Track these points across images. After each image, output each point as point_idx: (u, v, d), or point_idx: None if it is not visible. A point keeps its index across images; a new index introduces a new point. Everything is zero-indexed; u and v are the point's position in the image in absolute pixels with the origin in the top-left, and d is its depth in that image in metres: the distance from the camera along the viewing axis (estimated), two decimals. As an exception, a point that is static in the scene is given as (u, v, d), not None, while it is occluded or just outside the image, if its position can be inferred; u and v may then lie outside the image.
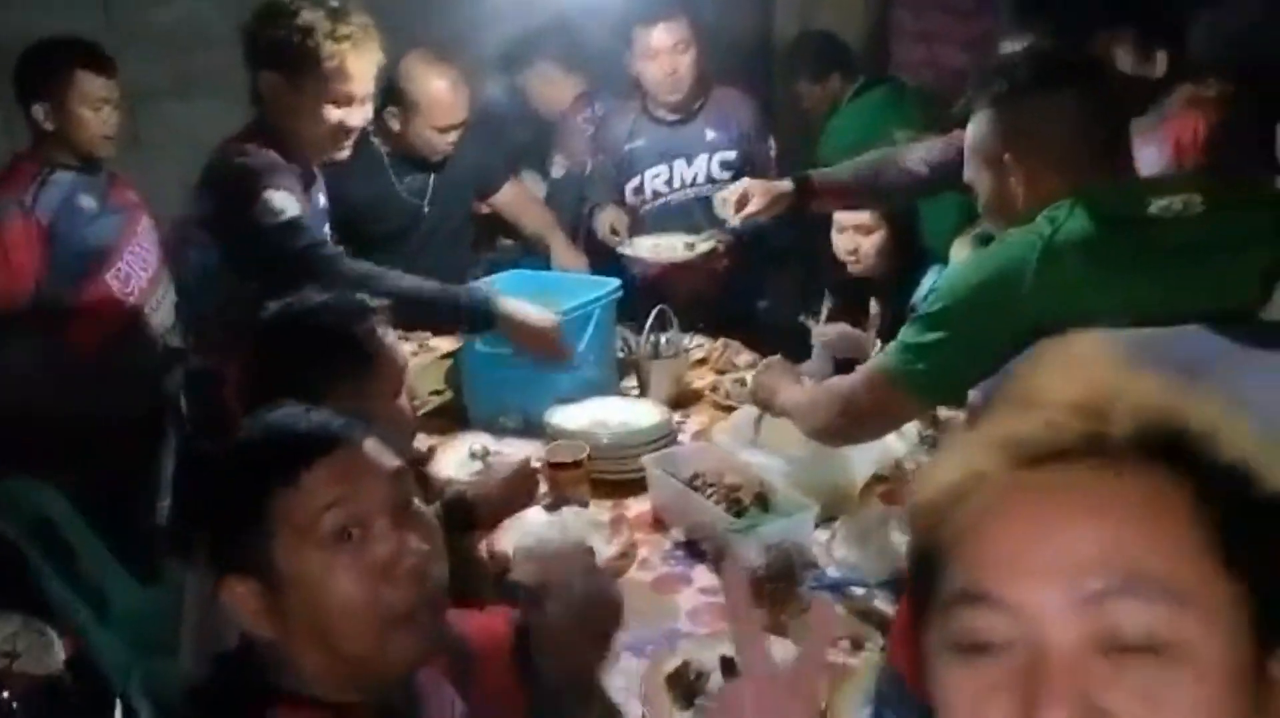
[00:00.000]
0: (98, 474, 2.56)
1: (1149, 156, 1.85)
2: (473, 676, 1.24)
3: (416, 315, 2.17)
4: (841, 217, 2.48)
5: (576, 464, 1.94)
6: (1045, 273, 1.33)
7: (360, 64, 2.10)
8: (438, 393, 2.53)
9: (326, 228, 2.34)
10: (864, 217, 2.45)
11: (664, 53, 2.91)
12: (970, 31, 3.74)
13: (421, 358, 2.56)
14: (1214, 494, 0.57)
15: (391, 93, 2.71)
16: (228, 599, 1.00)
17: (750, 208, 2.19)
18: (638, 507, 1.98)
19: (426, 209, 2.88)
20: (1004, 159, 1.46)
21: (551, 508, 1.87)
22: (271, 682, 1.00)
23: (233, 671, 1.03)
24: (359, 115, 2.15)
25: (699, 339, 2.77)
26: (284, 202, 2.03)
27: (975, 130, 1.50)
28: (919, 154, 2.12)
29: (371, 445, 1.03)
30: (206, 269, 2.23)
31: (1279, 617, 0.55)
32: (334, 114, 2.10)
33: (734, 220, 2.26)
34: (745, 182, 2.27)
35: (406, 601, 0.98)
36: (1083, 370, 0.61)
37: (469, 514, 1.67)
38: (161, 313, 2.89)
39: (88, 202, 2.74)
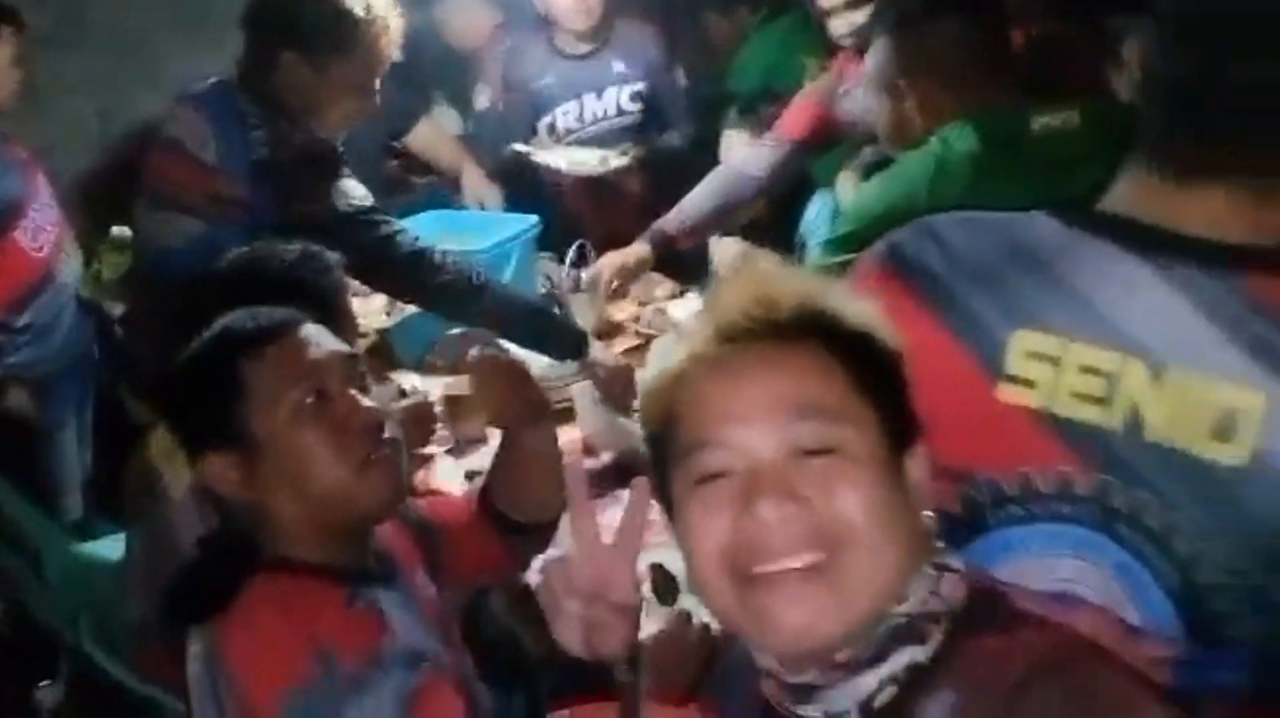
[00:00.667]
0: (20, 431, 2.54)
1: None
2: (444, 551, 1.39)
3: (505, 324, 2.10)
4: (727, 155, 2.52)
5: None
6: (938, 190, 1.43)
7: (387, 51, 2.05)
8: (362, 335, 2.55)
9: None
10: None
11: None
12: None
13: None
14: (850, 351, 0.82)
15: None
16: (210, 473, 1.16)
17: (612, 285, 2.28)
18: (565, 435, 2.04)
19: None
20: (899, 85, 1.54)
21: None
22: (251, 555, 1.13)
23: (218, 551, 1.17)
24: (371, 106, 2.11)
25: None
26: (360, 188, 2.01)
27: (872, 59, 1.58)
28: (759, 159, 2.24)
29: (326, 331, 1.20)
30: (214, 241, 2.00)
31: (899, 430, 0.82)
32: (350, 103, 2.06)
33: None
34: (601, 262, 2.34)
35: (365, 448, 1.15)
36: (761, 277, 0.86)
37: None
38: (70, 266, 2.85)
39: None
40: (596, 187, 3.02)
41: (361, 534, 1.21)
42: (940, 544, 0.84)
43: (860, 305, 0.85)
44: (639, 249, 2.30)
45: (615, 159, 2.94)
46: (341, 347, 1.22)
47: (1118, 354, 0.85)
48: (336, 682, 1.06)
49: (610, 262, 2.30)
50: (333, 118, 2.08)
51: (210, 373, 1.16)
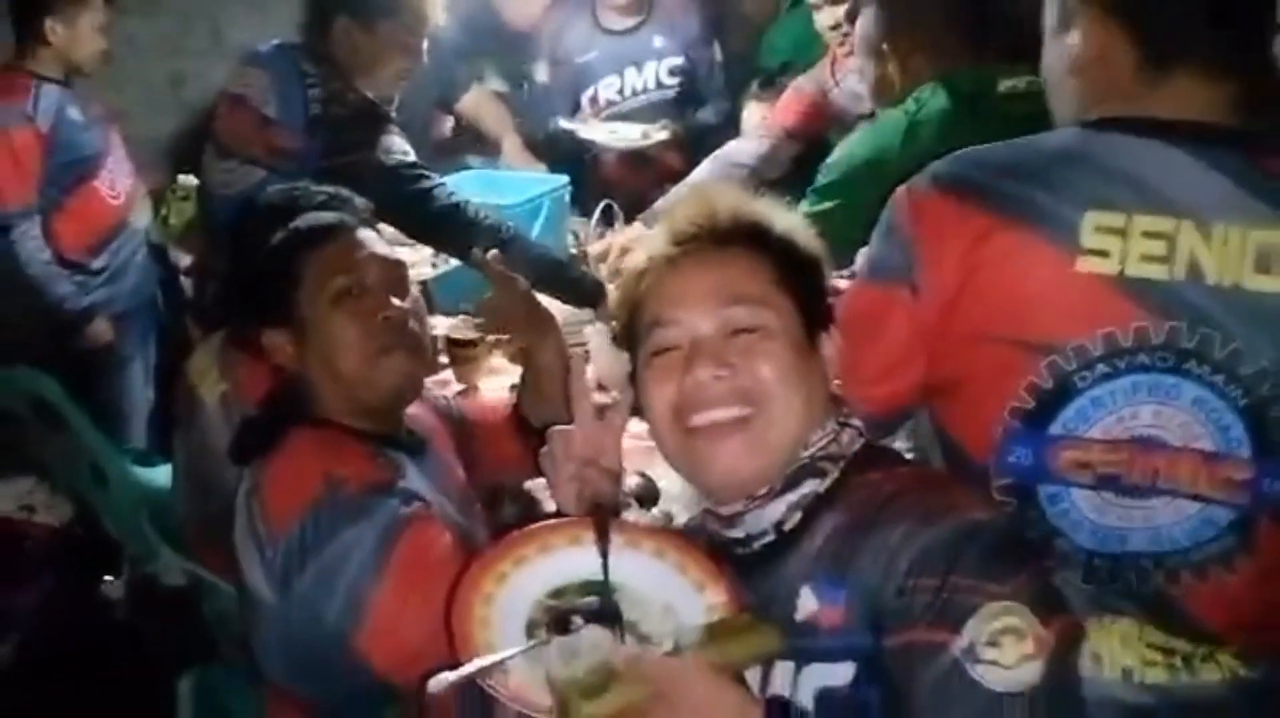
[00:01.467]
0: (95, 362, 2.77)
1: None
2: (473, 442, 1.60)
3: (530, 273, 2.26)
4: (748, 127, 2.69)
5: (473, 343, 2.16)
6: (909, 145, 1.57)
7: (431, 11, 2.23)
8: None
9: None
10: None
11: None
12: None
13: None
14: (775, 252, 1.03)
15: None
16: (269, 345, 1.37)
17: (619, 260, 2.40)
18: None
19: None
20: (882, 48, 1.68)
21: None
22: (299, 413, 1.34)
23: (271, 407, 1.39)
24: (418, 63, 2.29)
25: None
26: (404, 144, 2.18)
27: (860, 24, 1.73)
28: (749, 149, 2.47)
29: (380, 240, 1.42)
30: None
31: (813, 316, 1.03)
32: (399, 62, 2.24)
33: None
34: (612, 240, 2.49)
35: (387, 338, 1.34)
36: (705, 194, 1.08)
37: None
38: (142, 214, 3.08)
39: (74, 113, 2.91)
40: (633, 158, 3.17)
41: (389, 410, 1.40)
42: (847, 410, 1.05)
43: (786, 216, 1.07)
44: (640, 230, 2.46)
45: (656, 133, 3.09)
46: (387, 251, 1.43)
47: (1172, 219, 1.04)
48: (339, 503, 1.23)
49: (618, 241, 2.46)
50: (384, 76, 2.27)
51: (276, 261, 1.37)
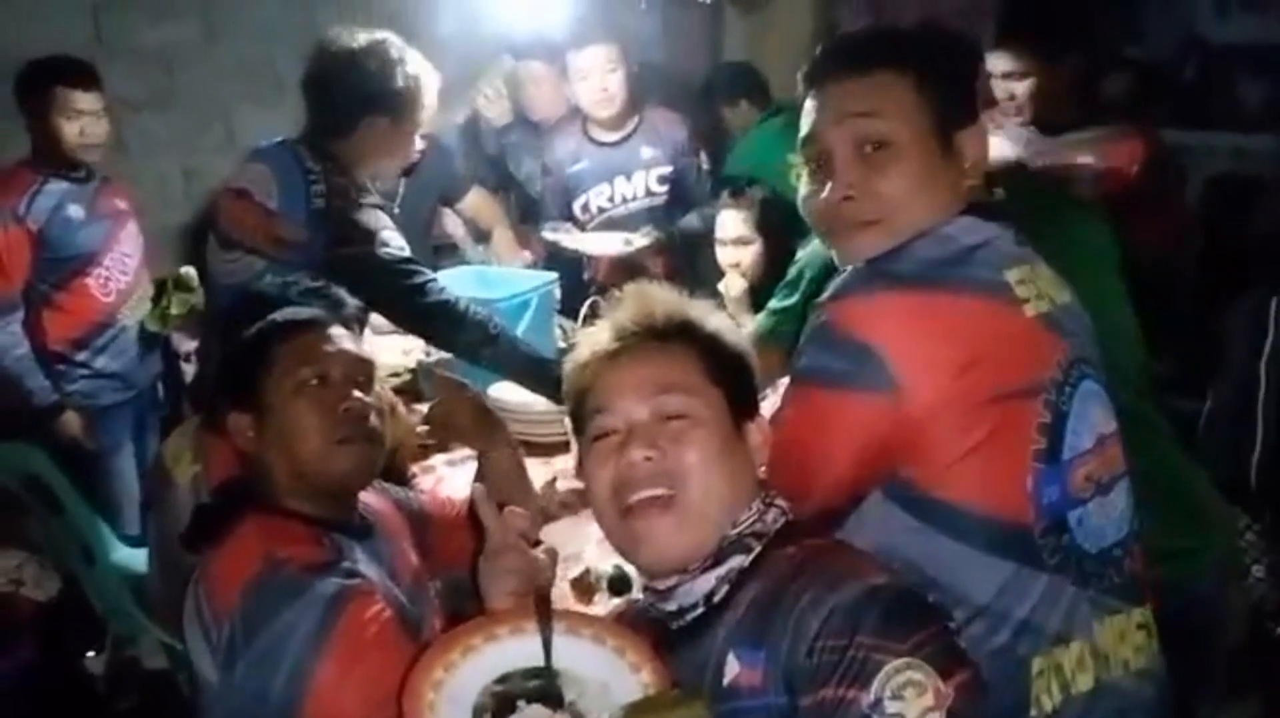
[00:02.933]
0: (80, 450, 2.83)
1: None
2: (428, 534, 1.63)
3: (513, 369, 2.32)
4: (721, 232, 2.74)
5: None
6: None
7: (431, 105, 2.35)
8: (395, 374, 2.82)
9: None
10: (741, 229, 2.67)
11: (594, 72, 3.21)
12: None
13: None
14: (704, 348, 1.15)
15: None
16: (233, 426, 1.42)
17: None
18: (564, 462, 2.29)
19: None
20: None
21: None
22: (249, 502, 1.37)
23: (225, 494, 1.43)
24: (412, 155, 2.41)
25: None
26: (400, 239, 2.27)
27: None
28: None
29: (349, 335, 1.48)
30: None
31: (740, 406, 1.14)
32: (400, 157, 2.36)
33: None
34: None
35: (346, 428, 1.40)
36: (644, 296, 1.19)
37: None
38: (139, 309, 3.16)
39: (76, 210, 3.00)
40: (620, 261, 3.28)
41: (340, 497, 1.45)
42: (773, 491, 1.15)
43: (716, 317, 1.20)
44: None
45: (638, 240, 3.22)
46: (355, 348, 1.49)
47: (1029, 265, 1.26)
48: (280, 581, 1.27)
49: None
50: (390, 170, 2.40)
51: (250, 348, 1.45)
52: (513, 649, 1.09)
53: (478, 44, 3.62)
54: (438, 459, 2.29)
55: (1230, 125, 3.98)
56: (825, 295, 1.24)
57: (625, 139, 3.38)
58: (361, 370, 1.47)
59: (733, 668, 1.02)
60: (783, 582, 1.03)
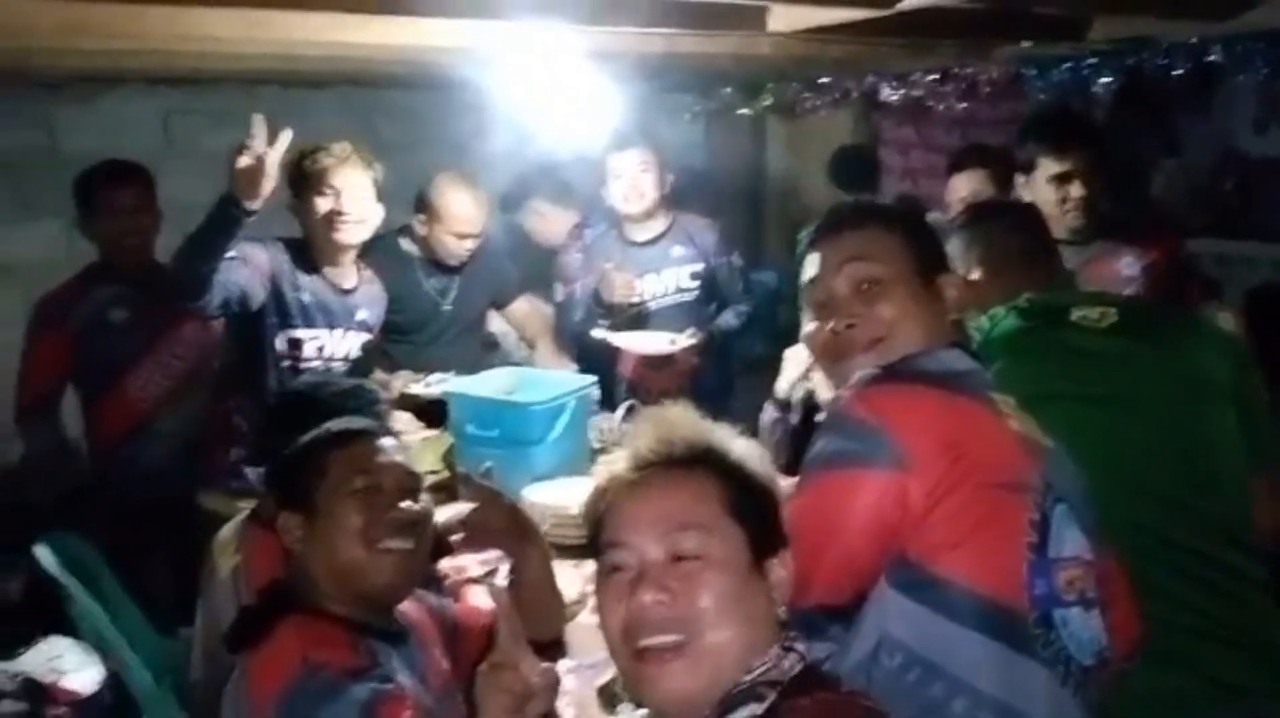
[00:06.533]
0: (124, 542, 2.88)
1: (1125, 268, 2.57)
2: (459, 644, 1.67)
3: None
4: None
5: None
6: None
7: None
8: (434, 472, 2.87)
9: None
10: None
11: (628, 172, 3.41)
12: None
13: (416, 437, 2.92)
14: (727, 478, 1.12)
15: (421, 202, 3.22)
16: (282, 525, 1.48)
17: None
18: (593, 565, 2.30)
19: (448, 307, 3.31)
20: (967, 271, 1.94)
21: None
22: (291, 604, 1.42)
23: (268, 596, 1.48)
24: None
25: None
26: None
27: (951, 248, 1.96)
28: None
29: (400, 446, 1.56)
30: None
31: (762, 542, 1.11)
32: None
33: None
34: None
35: (390, 538, 1.45)
36: (664, 420, 1.17)
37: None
38: (182, 414, 3.12)
39: (119, 315, 3.01)
40: (655, 358, 3.42)
41: (379, 603, 1.49)
42: (793, 633, 1.12)
43: (742, 444, 1.17)
44: None
45: (682, 340, 3.35)
46: (405, 460, 1.57)
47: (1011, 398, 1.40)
48: (317, 685, 1.31)
49: None
50: None
51: (306, 454, 1.52)
52: None
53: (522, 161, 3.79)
54: (469, 559, 2.32)
55: (1269, 237, 3.97)
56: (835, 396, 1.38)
57: (657, 239, 3.54)
58: (411, 482, 1.54)
59: None
60: None
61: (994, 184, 3.20)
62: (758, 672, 1.05)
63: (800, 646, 1.11)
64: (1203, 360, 1.81)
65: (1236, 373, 1.86)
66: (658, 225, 3.53)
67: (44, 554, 2.48)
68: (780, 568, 1.13)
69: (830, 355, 1.49)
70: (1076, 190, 2.64)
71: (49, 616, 2.49)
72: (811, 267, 1.51)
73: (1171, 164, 4.37)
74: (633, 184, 3.43)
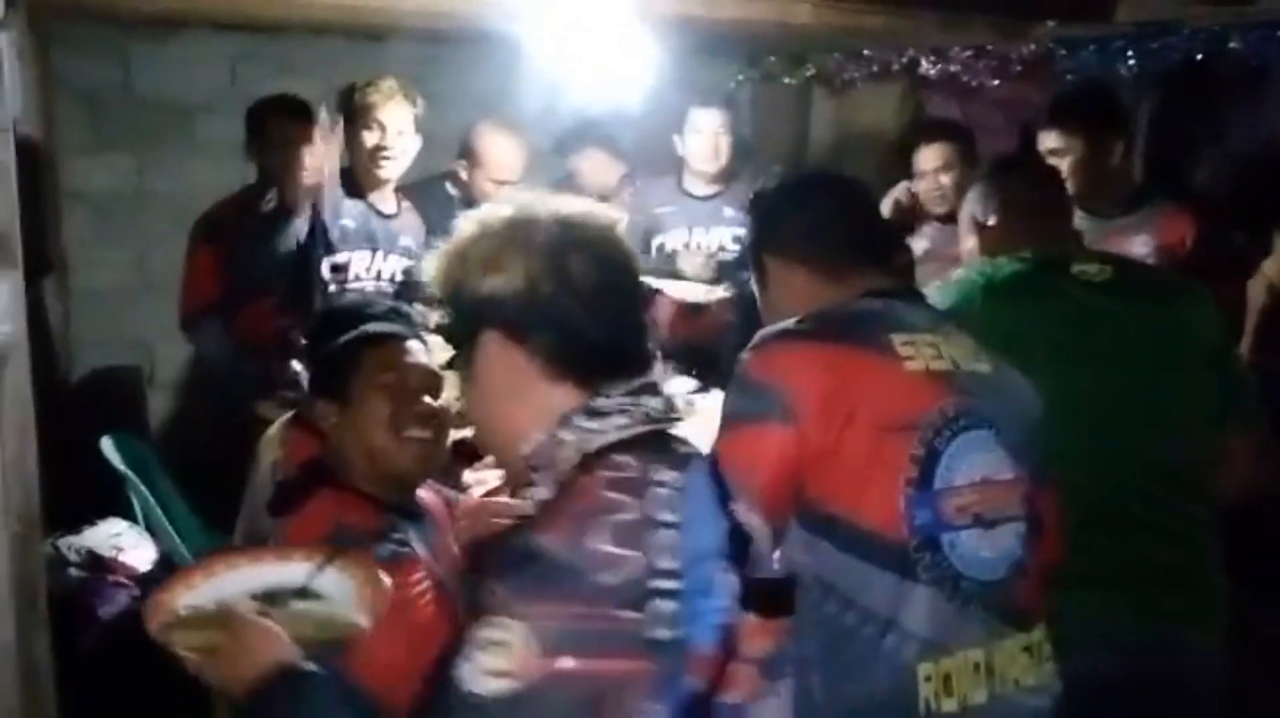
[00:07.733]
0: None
1: (1138, 245, 2.67)
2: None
3: None
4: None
5: None
6: (988, 302, 1.90)
7: None
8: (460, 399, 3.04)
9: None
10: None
11: (709, 129, 3.59)
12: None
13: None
14: None
15: (464, 148, 3.34)
16: (317, 411, 1.68)
17: None
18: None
19: None
20: (977, 221, 2.10)
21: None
22: (325, 479, 1.64)
23: (304, 471, 1.70)
24: None
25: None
26: None
27: (965, 202, 2.17)
28: None
29: (426, 351, 1.71)
30: None
31: None
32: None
33: None
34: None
35: (413, 427, 1.64)
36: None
37: None
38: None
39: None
40: (689, 307, 3.53)
41: (402, 484, 1.68)
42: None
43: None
44: None
45: (719, 292, 3.48)
46: (429, 362, 1.73)
47: (931, 335, 1.51)
48: (345, 541, 1.48)
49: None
50: None
51: (343, 352, 1.69)
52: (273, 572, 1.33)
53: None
54: (490, 474, 2.51)
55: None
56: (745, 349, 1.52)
57: (713, 197, 3.70)
58: (433, 382, 1.71)
59: None
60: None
61: (959, 157, 3.38)
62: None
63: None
64: (1189, 322, 1.94)
65: (1224, 339, 2.00)
66: (717, 185, 3.68)
67: (109, 448, 2.72)
68: None
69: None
70: (1065, 167, 2.73)
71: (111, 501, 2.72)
72: None
73: (1214, 152, 4.41)
74: (712, 143, 3.58)
